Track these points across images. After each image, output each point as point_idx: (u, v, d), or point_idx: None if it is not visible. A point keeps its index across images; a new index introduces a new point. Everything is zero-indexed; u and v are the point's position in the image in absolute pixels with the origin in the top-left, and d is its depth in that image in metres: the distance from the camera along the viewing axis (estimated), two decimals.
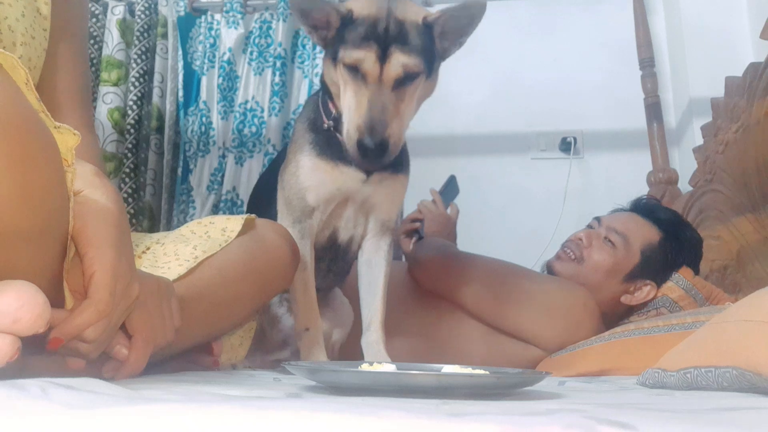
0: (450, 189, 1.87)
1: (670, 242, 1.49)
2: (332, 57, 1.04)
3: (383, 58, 0.98)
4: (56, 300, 0.60)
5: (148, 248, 0.96)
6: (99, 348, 0.64)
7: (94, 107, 2.31)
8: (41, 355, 0.63)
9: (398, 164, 1.15)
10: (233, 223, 0.99)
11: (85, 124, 0.95)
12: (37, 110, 0.54)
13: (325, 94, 1.14)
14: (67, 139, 0.58)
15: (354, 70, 1.00)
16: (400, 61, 0.98)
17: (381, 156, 0.98)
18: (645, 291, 1.47)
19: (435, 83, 1.09)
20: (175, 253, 0.90)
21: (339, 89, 1.05)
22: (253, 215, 1.03)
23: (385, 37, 0.98)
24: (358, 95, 1.00)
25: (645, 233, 1.49)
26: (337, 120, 1.10)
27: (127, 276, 0.63)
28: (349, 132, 1.00)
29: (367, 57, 0.98)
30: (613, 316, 1.47)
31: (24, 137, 0.50)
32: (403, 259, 1.68)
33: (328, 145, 1.12)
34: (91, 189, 0.64)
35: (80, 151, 0.62)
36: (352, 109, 1.00)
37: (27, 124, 0.51)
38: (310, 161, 1.13)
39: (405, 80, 1.00)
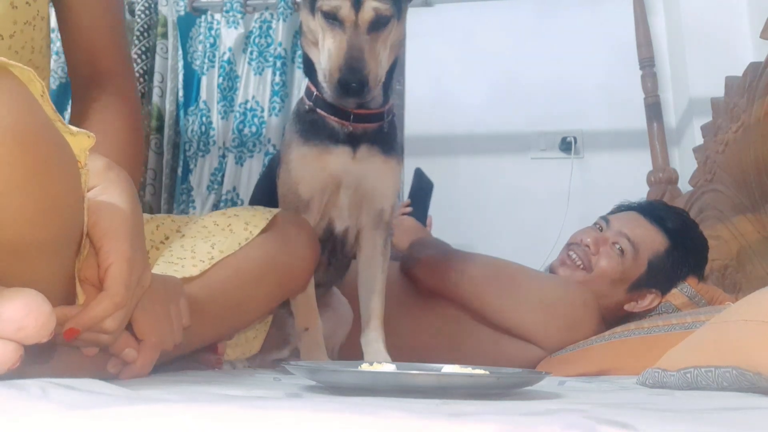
0: (422, 185, 1.80)
1: (678, 252, 1.45)
2: (310, 8, 1.11)
3: (357, 4, 1.05)
4: (68, 297, 0.61)
5: (167, 237, 0.96)
6: (117, 337, 0.66)
7: None
8: (42, 365, 0.64)
9: (389, 149, 1.18)
10: (258, 219, 0.96)
11: (120, 63, 0.93)
12: (53, 120, 0.54)
13: (308, 72, 1.19)
14: (81, 140, 0.58)
15: (330, 17, 1.07)
16: (372, 5, 1.05)
17: (361, 91, 1.05)
18: (649, 299, 1.45)
19: (404, 27, 1.16)
20: (192, 250, 0.89)
21: (317, 39, 1.11)
22: (277, 211, 1.01)
23: None
24: (336, 40, 1.06)
25: (653, 241, 1.46)
26: (312, 69, 1.15)
27: (141, 266, 0.65)
28: (331, 72, 1.06)
29: (342, 4, 1.05)
30: (614, 319, 1.46)
31: (41, 150, 0.51)
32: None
33: (313, 128, 1.16)
34: (105, 183, 0.65)
35: (116, 99, 0.62)
36: (331, 52, 1.07)
37: (44, 136, 0.51)
38: (298, 152, 1.16)
39: (378, 24, 1.07)
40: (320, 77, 1.10)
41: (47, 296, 0.54)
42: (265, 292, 0.93)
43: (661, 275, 1.45)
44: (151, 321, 0.70)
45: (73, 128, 0.58)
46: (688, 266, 1.46)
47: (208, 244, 0.90)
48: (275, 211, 1.01)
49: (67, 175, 0.55)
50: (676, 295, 1.44)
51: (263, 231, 0.95)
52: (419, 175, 1.83)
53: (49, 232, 0.54)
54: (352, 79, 1.03)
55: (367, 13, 1.05)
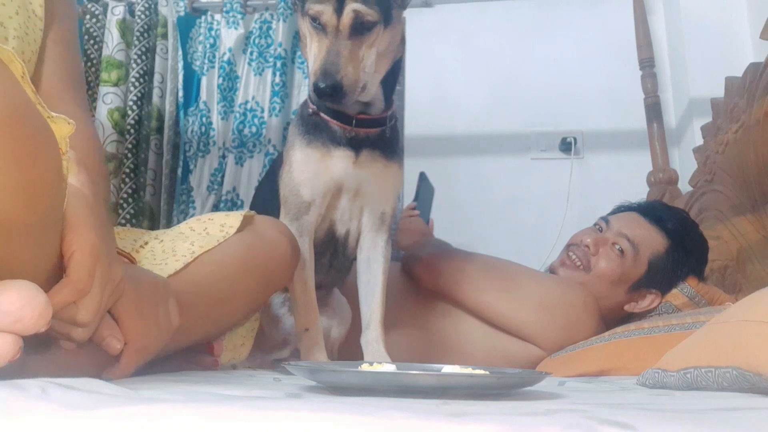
0: (425, 189, 1.83)
1: (677, 252, 1.45)
2: (301, 13, 1.13)
3: (339, 9, 1.05)
4: (52, 286, 0.60)
5: (147, 243, 0.97)
6: (91, 331, 0.65)
7: (94, 107, 2.31)
8: (41, 354, 0.63)
9: (390, 153, 1.18)
10: (232, 219, 0.99)
11: (79, 105, 0.95)
12: (33, 102, 0.54)
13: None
14: (61, 127, 0.58)
15: (316, 21, 1.08)
16: (352, 8, 1.05)
17: (334, 95, 1.05)
18: (649, 299, 1.45)
19: (398, 32, 1.15)
20: (173, 250, 0.90)
21: (307, 42, 1.12)
22: (252, 212, 1.03)
23: None
24: (319, 45, 1.08)
25: (653, 242, 1.46)
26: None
27: (107, 257, 0.63)
28: (310, 77, 1.09)
29: (325, 9, 1.06)
30: (614, 320, 1.46)
31: (24, 131, 0.50)
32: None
33: (316, 131, 1.16)
34: (72, 176, 0.64)
35: (77, 134, 0.62)
36: (314, 56, 1.09)
37: (27, 117, 0.51)
38: (300, 153, 1.17)
39: (362, 29, 1.07)
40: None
41: (32, 282, 0.54)
42: (248, 287, 0.94)
43: (661, 275, 1.45)
44: (137, 323, 0.69)
45: (53, 113, 0.57)
46: (688, 266, 1.46)
47: (187, 243, 0.91)
48: (250, 212, 1.03)
49: (48, 158, 0.54)
50: (677, 295, 1.44)
51: (239, 230, 0.97)
52: (423, 178, 1.85)
53: (32, 214, 0.53)
54: (325, 83, 1.03)
55: (348, 17, 1.05)
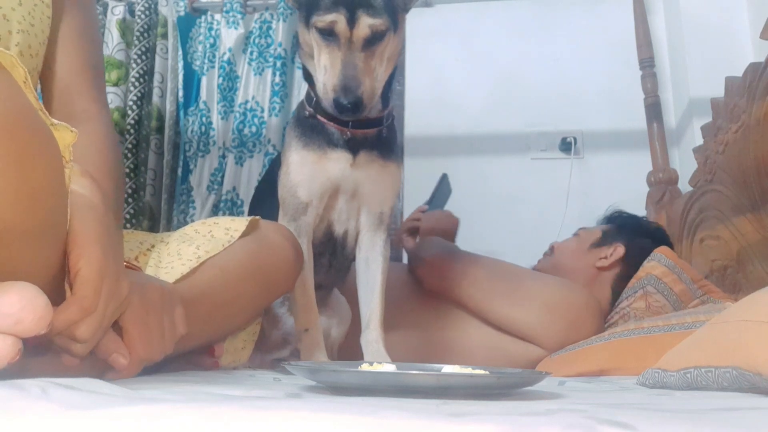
0: (443, 189, 1.86)
1: (627, 218, 1.69)
2: (305, 22, 1.11)
3: (352, 21, 1.04)
4: (57, 298, 0.60)
5: (153, 246, 0.96)
6: (90, 346, 0.64)
7: None
8: (42, 356, 0.63)
9: (388, 152, 1.18)
10: (237, 224, 0.99)
11: (96, 101, 0.94)
12: (35, 108, 0.54)
13: (308, 78, 1.18)
14: (64, 136, 0.57)
15: (325, 33, 1.07)
16: (367, 23, 1.05)
17: (357, 111, 1.06)
18: (615, 249, 1.58)
19: (402, 37, 1.16)
20: (178, 253, 0.90)
21: (312, 50, 1.11)
22: (257, 217, 1.03)
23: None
24: (331, 57, 1.06)
25: (602, 226, 1.69)
26: (311, 76, 1.15)
27: (115, 274, 0.62)
28: (326, 91, 1.07)
29: (338, 20, 1.05)
30: (603, 299, 1.51)
31: (25, 136, 0.50)
32: (404, 259, 1.68)
33: (313, 133, 1.16)
34: (76, 186, 0.63)
35: (89, 138, 0.61)
36: (327, 69, 1.07)
37: (27, 122, 0.50)
38: (297, 155, 1.17)
39: (374, 39, 1.07)
40: (318, 91, 1.11)
41: (32, 284, 0.53)
42: (251, 291, 0.94)
43: (617, 231, 1.63)
44: (142, 331, 0.69)
45: (55, 120, 0.56)
46: (640, 227, 1.66)
47: (192, 246, 0.91)
48: (255, 217, 1.03)
49: (49, 163, 0.53)
50: (654, 266, 1.51)
51: (244, 235, 0.96)
52: (444, 179, 1.87)
53: (32, 219, 0.52)
54: (347, 99, 1.03)
55: (363, 31, 1.04)
